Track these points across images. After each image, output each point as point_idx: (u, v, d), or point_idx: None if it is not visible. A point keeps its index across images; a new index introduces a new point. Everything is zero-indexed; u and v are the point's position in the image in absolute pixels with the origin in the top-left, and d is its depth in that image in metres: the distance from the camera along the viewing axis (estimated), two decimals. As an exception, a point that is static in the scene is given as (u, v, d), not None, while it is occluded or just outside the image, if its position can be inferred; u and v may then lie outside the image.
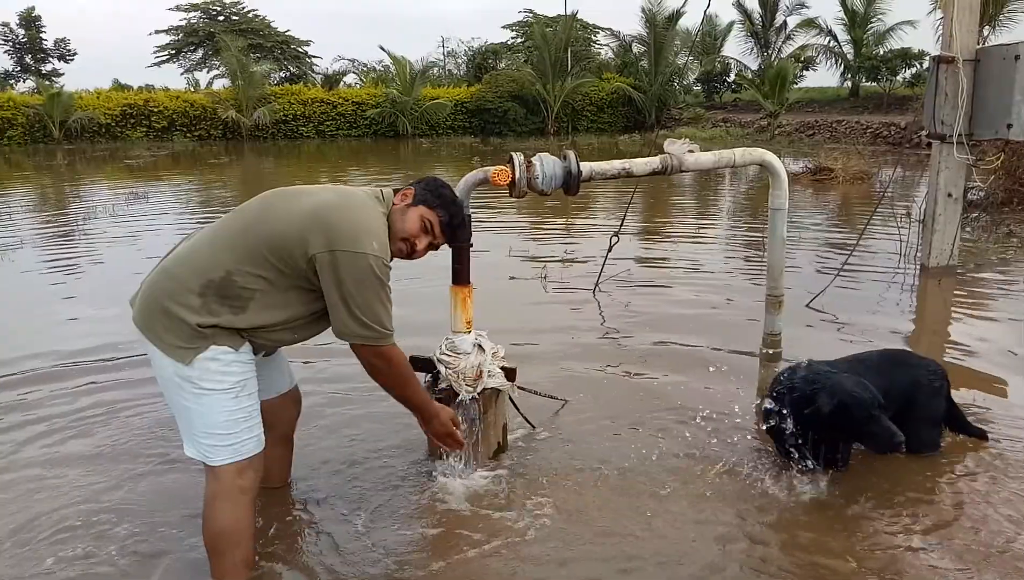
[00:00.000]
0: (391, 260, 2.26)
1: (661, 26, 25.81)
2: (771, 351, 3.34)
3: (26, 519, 2.61)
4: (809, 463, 2.79)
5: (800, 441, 2.76)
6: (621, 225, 5.94)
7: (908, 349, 3.16)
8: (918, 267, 6.10)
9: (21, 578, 2.31)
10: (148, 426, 3.33)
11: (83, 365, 4.10)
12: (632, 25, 59.85)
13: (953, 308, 5.22)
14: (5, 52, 37.53)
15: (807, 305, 5.12)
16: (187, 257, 2.17)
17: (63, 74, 37.64)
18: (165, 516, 2.63)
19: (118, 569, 2.36)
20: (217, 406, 2.14)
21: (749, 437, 3.23)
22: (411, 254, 2.37)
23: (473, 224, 2.80)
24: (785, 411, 2.75)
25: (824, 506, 2.68)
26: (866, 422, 2.60)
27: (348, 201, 2.22)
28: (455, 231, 2.45)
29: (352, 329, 2.16)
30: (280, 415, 2.58)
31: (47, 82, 27.79)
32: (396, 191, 2.42)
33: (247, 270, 2.11)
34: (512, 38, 35.07)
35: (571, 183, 2.79)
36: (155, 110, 23.71)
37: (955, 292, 5.57)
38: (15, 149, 21.28)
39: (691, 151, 3.03)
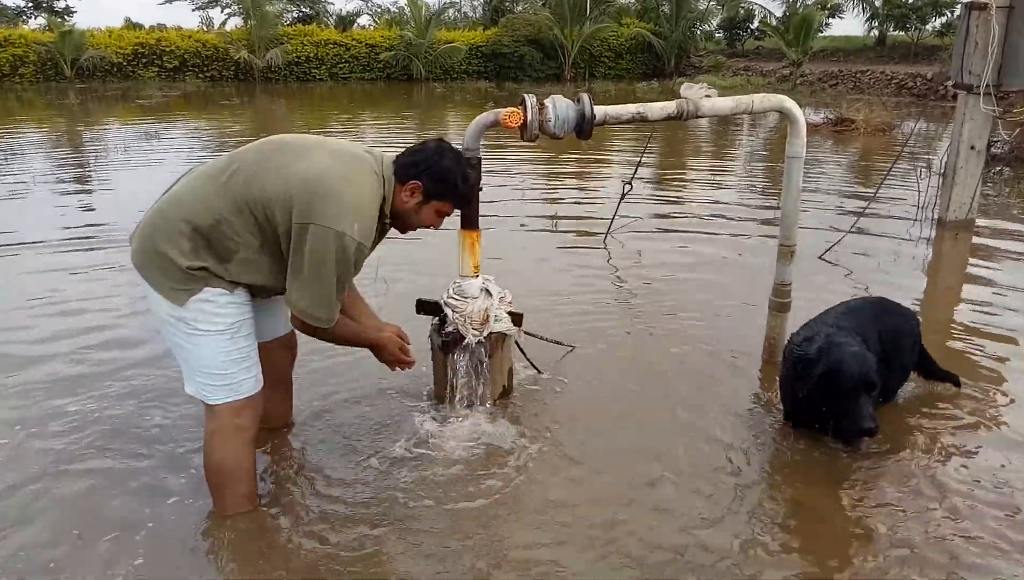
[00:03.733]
0: (382, 237, 2.26)
1: (684, -31, 25.01)
2: (781, 301, 3.32)
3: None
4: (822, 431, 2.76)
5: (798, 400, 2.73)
6: (635, 172, 5.86)
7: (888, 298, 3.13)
8: (935, 221, 6.00)
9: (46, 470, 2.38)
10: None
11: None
12: (654, -33, 57.88)
13: (969, 263, 5.14)
14: (16, -13, 36.93)
15: (820, 256, 5.07)
16: (180, 199, 2.14)
17: (75, 12, 37.18)
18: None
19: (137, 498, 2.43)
20: (213, 347, 2.15)
21: (756, 384, 3.24)
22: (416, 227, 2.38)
23: (484, 168, 2.77)
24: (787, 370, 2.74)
25: (830, 463, 2.70)
26: (847, 396, 2.49)
27: (344, 173, 2.12)
28: (467, 203, 2.49)
29: (298, 304, 2.14)
30: (275, 359, 2.58)
31: (59, 20, 27.42)
32: (400, 163, 2.26)
33: (233, 221, 2.09)
34: (530, -20, 34.11)
35: (584, 127, 2.73)
36: (167, 50, 23.39)
37: (972, 246, 5.49)
38: (27, 87, 21.15)
39: (708, 96, 2.96)
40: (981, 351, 3.60)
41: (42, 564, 2.12)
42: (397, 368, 2.54)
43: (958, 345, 3.69)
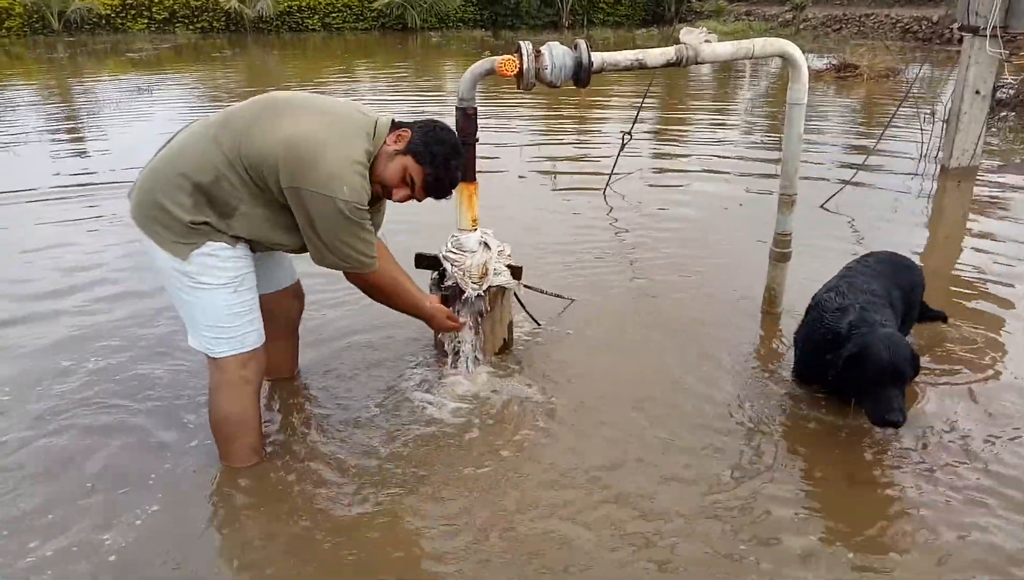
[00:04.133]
0: (369, 198, 2.16)
1: (685, -93, 24.25)
2: (781, 250, 3.30)
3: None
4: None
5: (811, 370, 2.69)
6: (634, 123, 5.77)
7: (893, 251, 3.10)
8: (938, 168, 5.94)
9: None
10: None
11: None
12: (654, -92, 56.16)
13: (971, 211, 5.11)
14: (-3, -63, 35.85)
15: (821, 205, 5.03)
16: (180, 154, 2.12)
17: (58, -39, 36.05)
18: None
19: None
20: (217, 300, 2.16)
21: (757, 334, 3.25)
22: (388, 197, 2.28)
23: (481, 119, 2.72)
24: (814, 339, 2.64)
25: (838, 420, 2.72)
26: (874, 382, 2.35)
27: (327, 136, 2.08)
28: (438, 190, 2.27)
29: (329, 261, 2.17)
30: (281, 308, 2.61)
31: (43, -30, 26.71)
32: (396, 124, 2.25)
33: (231, 177, 2.07)
34: (526, -78, 33.07)
35: (581, 74, 2.68)
36: (156, 0, 22.86)
37: (973, 194, 5.44)
38: (14, 41, 20.69)
39: (708, 41, 2.89)
40: (982, 297, 3.60)
41: (57, 519, 2.16)
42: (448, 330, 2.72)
43: (960, 290, 3.69)
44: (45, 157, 6.79)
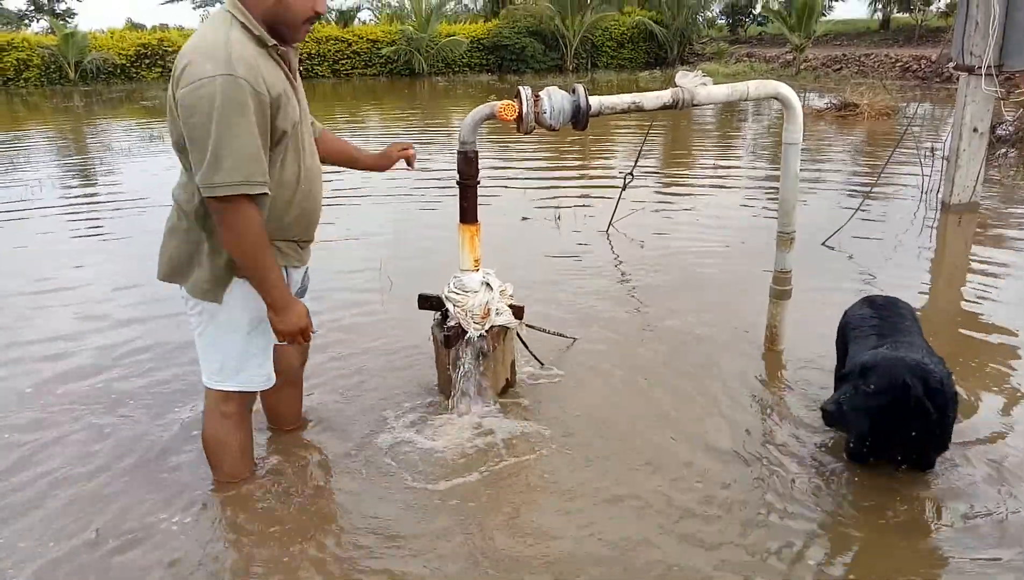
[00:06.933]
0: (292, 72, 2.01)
1: (685, -44, 24.84)
2: (781, 288, 3.32)
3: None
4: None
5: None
6: (635, 164, 5.85)
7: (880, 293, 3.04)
8: (940, 204, 5.98)
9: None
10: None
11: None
12: (655, -45, 57.48)
13: (973, 247, 5.12)
14: (18, -10, 37.04)
15: (823, 243, 5.06)
16: (176, 200, 2.14)
17: (76, 14, 37.18)
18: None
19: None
20: (235, 340, 2.22)
21: (760, 371, 3.25)
22: (304, 24, 2.00)
23: (483, 161, 2.78)
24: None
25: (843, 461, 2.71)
26: (912, 417, 2.20)
27: (192, 42, 1.90)
28: None
29: (203, 180, 1.86)
30: (285, 358, 2.61)
31: (61, 22, 27.52)
32: None
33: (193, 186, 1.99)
34: (530, -30, 33.97)
35: (580, 118, 2.74)
36: (169, 50, 23.40)
37: (976, 230, 5.46)
38: (32, 91, 21.22)
39: (703, 84, 2.96)
40: (987, 334, 3.59)
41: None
42: (285, 341, 2.19)
43: (963, 329, 3.68)
44: (59, 205, 6.91)
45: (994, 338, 3.56)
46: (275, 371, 2.40)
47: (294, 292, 2.29)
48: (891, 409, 2.22)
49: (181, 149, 1.99)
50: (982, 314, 3.86)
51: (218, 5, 1.95)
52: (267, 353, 2.32)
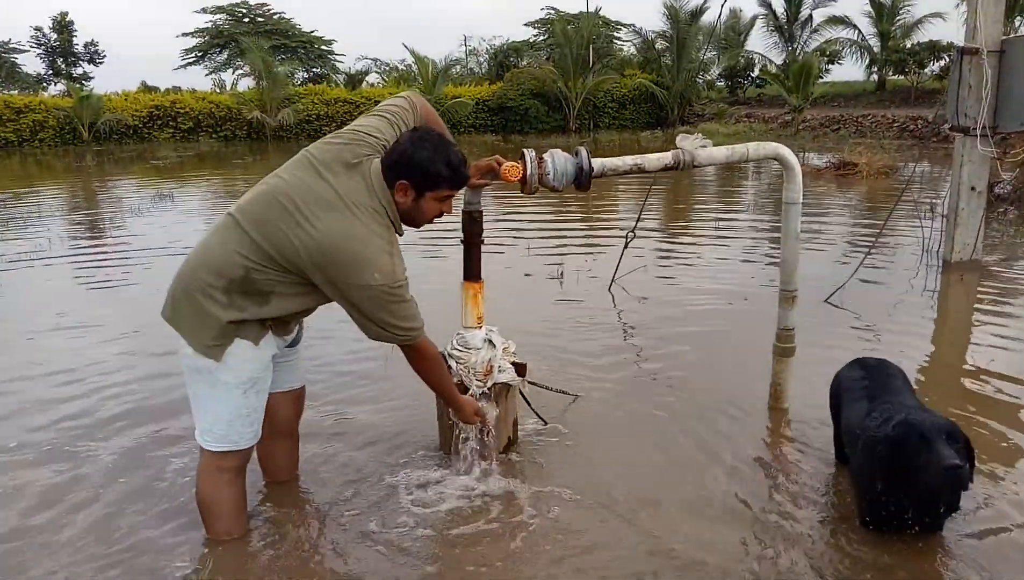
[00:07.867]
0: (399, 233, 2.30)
1: (684, 22, 25.59)
2: (784, 346, 3.32)
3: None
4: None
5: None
6: (637, 222, 5.93)
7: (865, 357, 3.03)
8: (940, 262, 6.01)
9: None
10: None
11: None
12: (655, 21, 59.48)
13: (975, 304, 5.14)
14: (38, 56, 38.22)
15: (826, 300, 5.08)
16: (206, 254, 2.21)
17: (92, 77, 38.29)
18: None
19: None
20: (231, 399, 2.23)
21: (764, 430, 3.22)
22: (428, 222, 2.39)
23: (488, 220, 2.82)
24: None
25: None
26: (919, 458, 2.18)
27: (351, 230, 2.14)
28: (459, 181, 2.31)
29: (383, 336, 2.27)
30: (282, 409, 2.63)
31: (77, 85, 28.31)
32: (386, 166, 2.23)
33: (263, 266, 2.15)
34: (534, 36, 35.00)
35: (582, 179, 2.80)
36: (181, 111, 24.02)
37: (978, 287, 5.48)
38: (46, 151, 21.69)
39: (703, 145, 3.03)
40: (992, 392, 3.57)
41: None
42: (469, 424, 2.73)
43: (969, 386, 3.66)
44: (70, 264, 7.00)
45: (1000, 395, 3.53)
46: (272, 422, 2.44)
47: (287, 345, 2.48)
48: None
49: (280, 268, 2.16)
50: (986, 370, 3.84)
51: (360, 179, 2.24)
52: (259, 413, 2.35)
